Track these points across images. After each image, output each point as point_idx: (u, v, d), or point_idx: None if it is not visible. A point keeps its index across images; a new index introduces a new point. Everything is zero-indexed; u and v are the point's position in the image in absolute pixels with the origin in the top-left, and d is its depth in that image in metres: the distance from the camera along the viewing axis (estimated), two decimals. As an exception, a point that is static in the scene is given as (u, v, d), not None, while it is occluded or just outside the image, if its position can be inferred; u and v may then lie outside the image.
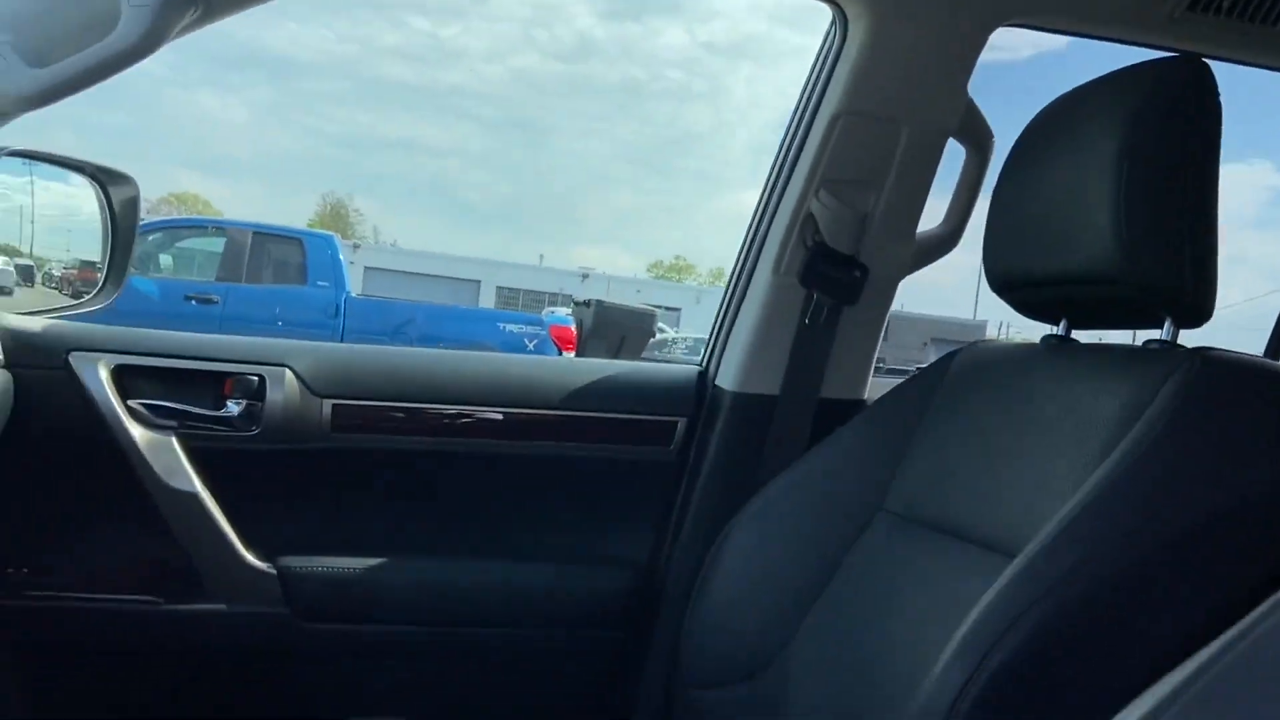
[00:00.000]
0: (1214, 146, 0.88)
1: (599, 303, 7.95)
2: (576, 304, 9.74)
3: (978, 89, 1.31)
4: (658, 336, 13.48)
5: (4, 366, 1.18)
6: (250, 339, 1.35)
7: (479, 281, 26.88)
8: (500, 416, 1.36)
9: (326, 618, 1.31)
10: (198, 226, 9.53)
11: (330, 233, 10.06)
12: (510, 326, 9.28)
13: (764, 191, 1.42)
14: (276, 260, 9.54)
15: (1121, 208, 0.86)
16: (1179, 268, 0.87)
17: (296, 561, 1.30)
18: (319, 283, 9.45)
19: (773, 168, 1.41)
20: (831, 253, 1.34)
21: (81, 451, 1.23)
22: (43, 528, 1.28)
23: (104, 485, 1.26)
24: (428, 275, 25.67)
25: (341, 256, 9.74)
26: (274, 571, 1.29)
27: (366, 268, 23.87)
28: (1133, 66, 0.96)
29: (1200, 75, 0.90)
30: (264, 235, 9.53)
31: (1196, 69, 0.91)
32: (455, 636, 1.34)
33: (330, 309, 8.99)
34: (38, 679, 1.28)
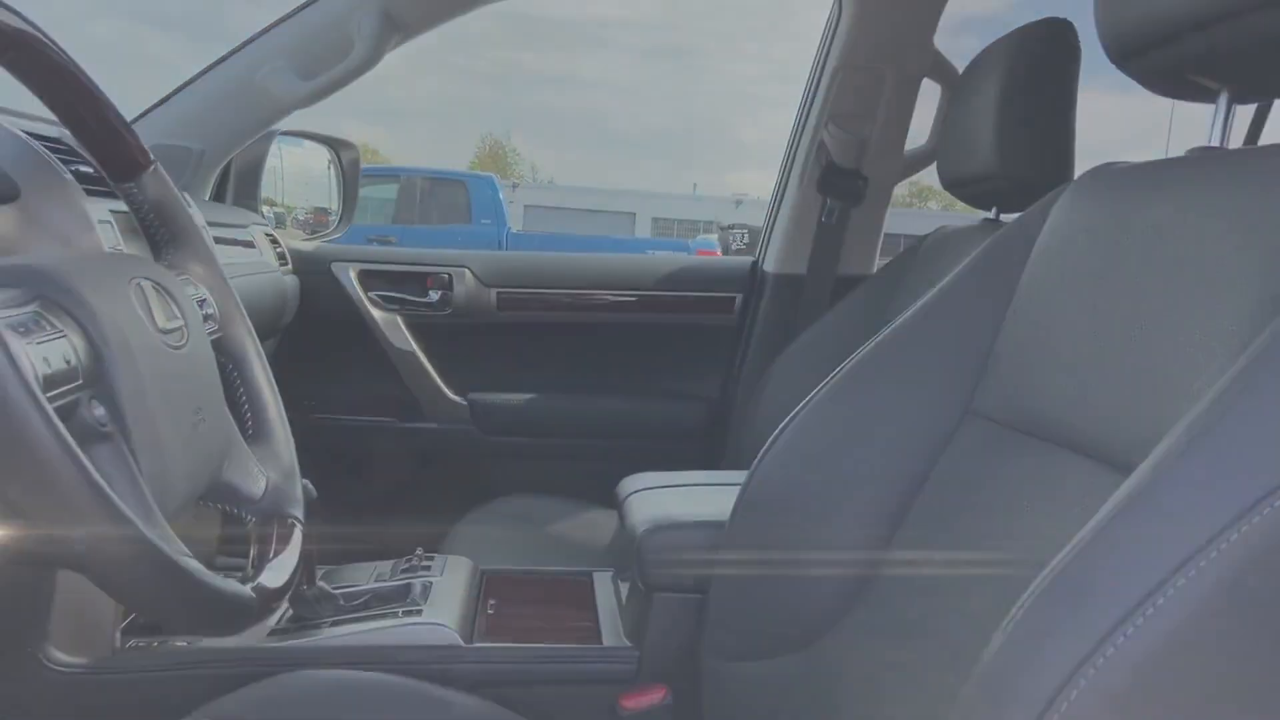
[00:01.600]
0: (1070, 89, 1.31)
1: (739, 226, 8.49)
2: (721, 229, 10.34)
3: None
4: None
5: (293, 272, 1.87)
6: (441, 250, 2.01)
7: (634, 214, 27.19)
8: (611, 297, 1.96)
9: (498, 432, 1.97)
10: (376, 175, 10.47)
11: (490, 174, 10.85)
12: (657, 254, 9.84)
13: (793, 127, 1.95)
14: (444, 202, 10.40)
15: (1004, 129, 1.31)
16: (1042, 166, 1.31)
17: (478, 396, 1.96)
18: (482, 220, 10.29)
19: (799, 109, 1.93)
20: (839, 168, 1.85)
21: (341, 326, 1.92)
22: (321, 375, 1.99)
23: (356, 347, 1.95)
24: (584, 210, 26.05)
25: (501, 196, 10.53)
26: (465, 402, 1.96)
27: (526, 205, 24.44)
28: (1016, 30, 1.41)
29: (1062, 33, 1.34)
30: (432, 179, 10.47)
31: (1060, 28, 1.34)
32: (584, 444, 1.98)
33: (494, 244, 9.78)
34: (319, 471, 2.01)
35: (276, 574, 0.79)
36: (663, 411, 1.99)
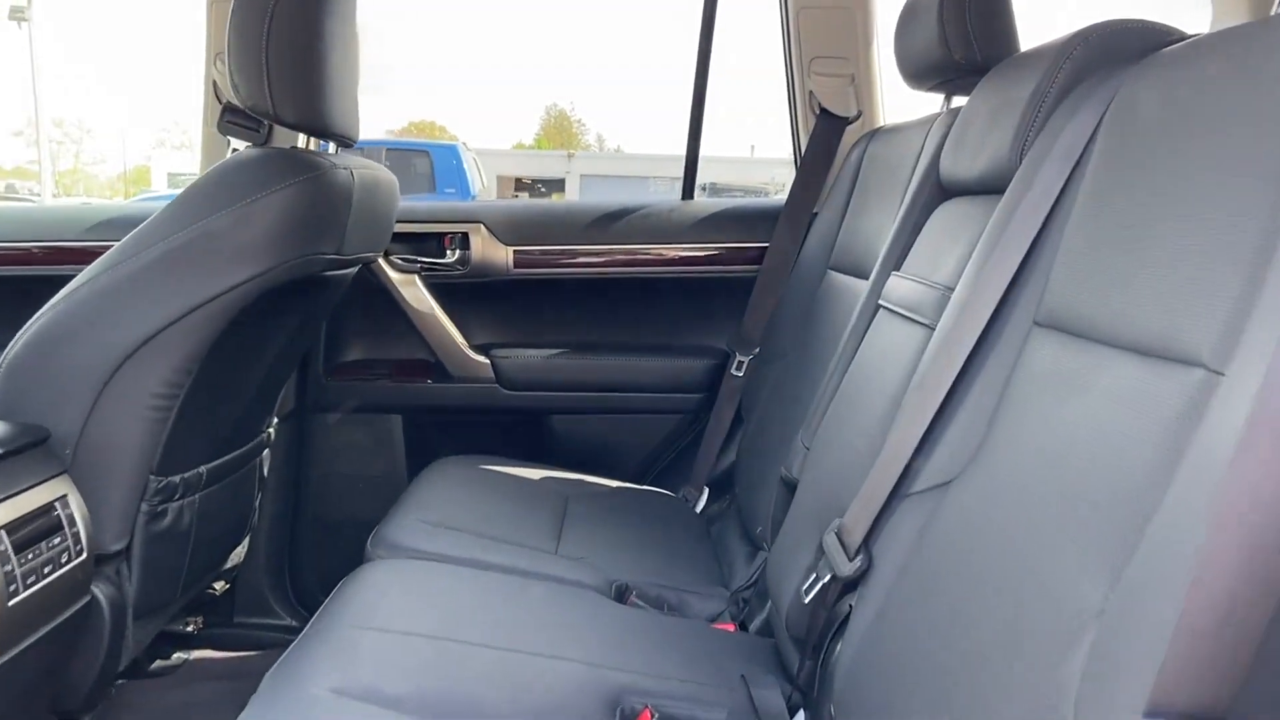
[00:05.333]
0: None
1: (712, 185, 8.50)
2: (703, 190, 10.48)
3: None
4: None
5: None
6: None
7: None
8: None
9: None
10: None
11: (454, 143, 10.74)
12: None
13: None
14: (407, 173, 10.27)
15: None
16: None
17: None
18: (446, 190, 10.21)
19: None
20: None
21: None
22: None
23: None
24: (639, 177, 25.65)
25: (465, 164, 10.45)
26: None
27: (582, 175, 24.16)
28: None
29: None
30: (395, 150, 10.34)
31: None
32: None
33: (459, 214, 9.75)
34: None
35: None
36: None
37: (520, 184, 22.21)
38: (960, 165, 1.22)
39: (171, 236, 1.23)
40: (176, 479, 1.35)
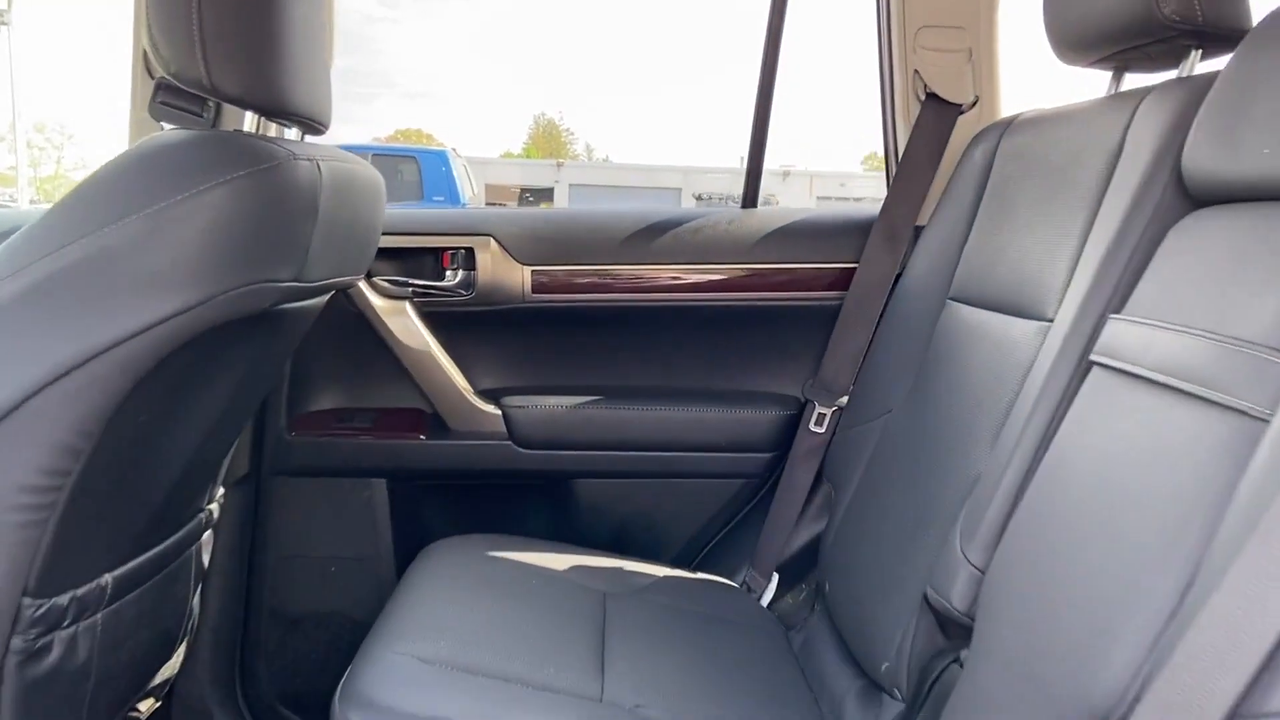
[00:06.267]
0: None
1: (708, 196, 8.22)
2: (696, 199, 10.12)
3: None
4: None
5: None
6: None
7: (680, 189, 26.57)
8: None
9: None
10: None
11: (443, 149, 10.39)
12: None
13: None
14: (395, 180, 9.95)
15: None
16: None
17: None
18: (435, 198, 9.87)
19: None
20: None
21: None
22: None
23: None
24: (629, 187, 25.68)
25: (454, 170, 10.09)
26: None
27: (571, 185, 24.19)
28: None
29: None
30: (381, 156, 9.96)
31: None
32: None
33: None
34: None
35: None
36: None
37: (508, 192, 21.89)
38: (1239, 160, 0.81)
39: (50, 256, 0.84)
40: (65, 599, 0.96)
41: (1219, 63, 0.92)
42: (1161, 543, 0.71)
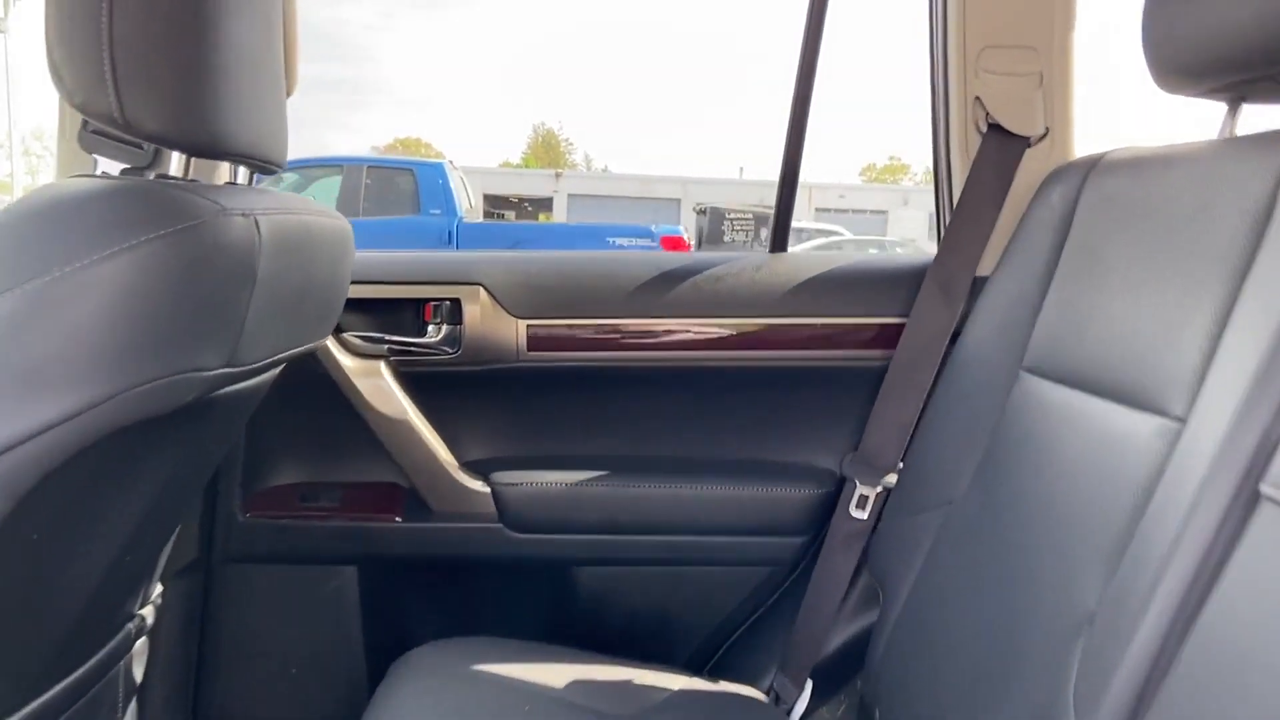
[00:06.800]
0: None
1: (713, 208, 8.05)
2: (697, 212, 9.96)
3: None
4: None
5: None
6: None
7: (679, 200, 26.39)
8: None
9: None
10: (323, 166, 9.80)
11: (439, 160, 10.22)
12: (618, 240, 9.34)
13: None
14: (390, 192, 9.79)
15: None
16: None
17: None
18: (431, 210, 9.68)
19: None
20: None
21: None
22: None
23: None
24: (628, 197, 25.55)
25: (451, 182, 9.92)
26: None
27: (570, 195, 24.16)
28: None
29: None
30: (377, 168, 9.78)
31: None
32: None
33: (444, 235, 9.18)
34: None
35: None
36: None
37: (507, 202, 21.75)
38: None
39: None
40: None
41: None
42: None
